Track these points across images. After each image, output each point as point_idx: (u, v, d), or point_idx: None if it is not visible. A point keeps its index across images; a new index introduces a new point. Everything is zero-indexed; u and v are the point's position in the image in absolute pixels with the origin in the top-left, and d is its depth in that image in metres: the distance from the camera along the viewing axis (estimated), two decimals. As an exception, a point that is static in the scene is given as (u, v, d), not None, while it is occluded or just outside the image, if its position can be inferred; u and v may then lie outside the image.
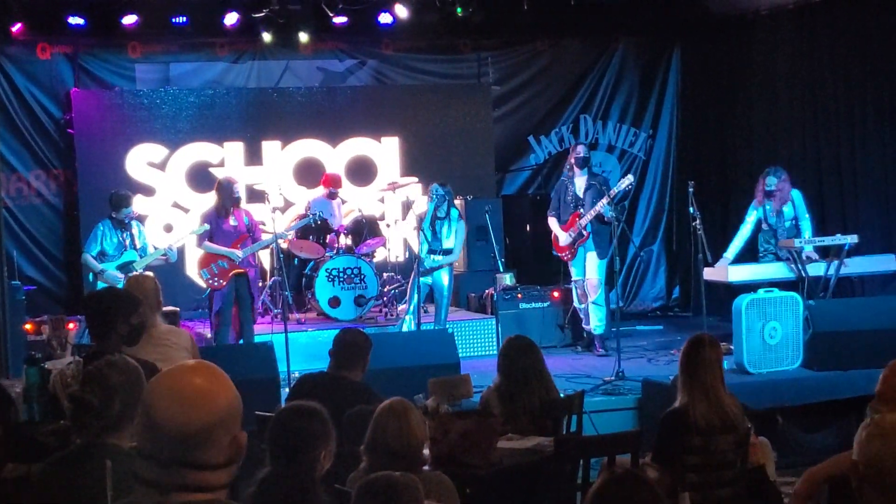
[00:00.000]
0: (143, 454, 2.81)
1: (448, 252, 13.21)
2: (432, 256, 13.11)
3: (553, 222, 13.42)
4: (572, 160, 13.41)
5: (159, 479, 2.77)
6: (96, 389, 4.45)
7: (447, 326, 12.98)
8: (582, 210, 13.08)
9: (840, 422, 10.27)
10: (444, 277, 13.19)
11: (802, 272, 12.06)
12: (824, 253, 12.29)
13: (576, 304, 13.73)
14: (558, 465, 6.64)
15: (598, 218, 12.99)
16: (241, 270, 12.38)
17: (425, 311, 13.45)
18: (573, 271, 13.46)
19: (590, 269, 13.21)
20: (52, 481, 4.38)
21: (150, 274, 8.17)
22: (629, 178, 13.40)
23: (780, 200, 12.57)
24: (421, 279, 12.97)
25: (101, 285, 11.89)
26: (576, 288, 13.51)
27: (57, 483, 4.35)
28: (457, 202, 15.54)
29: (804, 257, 12.16)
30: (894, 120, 13.84)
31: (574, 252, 13.23)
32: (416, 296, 12.94)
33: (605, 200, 12.95)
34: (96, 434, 4.43)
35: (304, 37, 15.98)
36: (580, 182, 13.28)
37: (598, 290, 13.25)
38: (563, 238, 13.24)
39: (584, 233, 13.10)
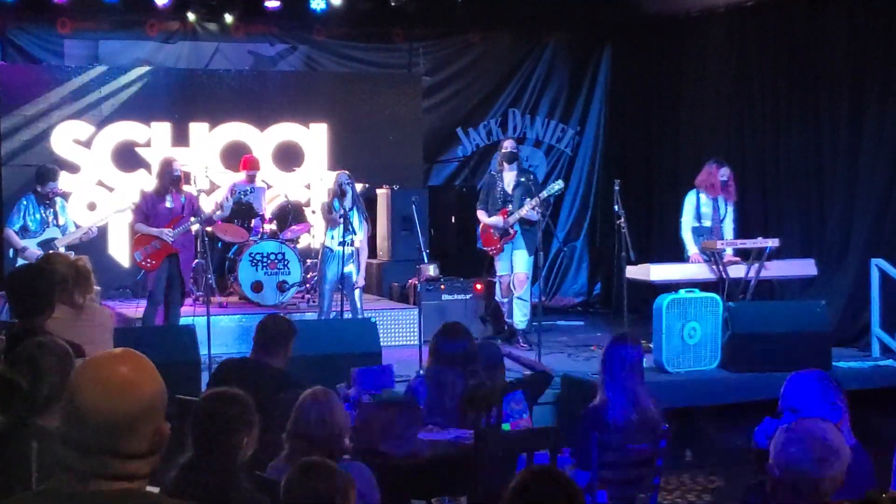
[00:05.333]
0: (66, 441, 2.80)
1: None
2: (344, 249, 12.79)
3: (482, 215, 13.41)
4: (499, 156, 13.44)
5: (81, 466, 2.77)
6: (25, 370, 4.43)
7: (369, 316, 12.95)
8: (511, 207, 13.09)
9: (754, 423, 10.39)
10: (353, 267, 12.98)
11: (723, 273, 12.18)
12: (745, 255, 12.42)
13: (498, 298, 13.77)
14: (478, 457, 6.67)
15: (525, 219, 13.04)
16: (174, 251, 12.29)
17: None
18: (499, 266, 13.48)
19: (518, 265, 13.23)
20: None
21: (84, 257, 8.11)
22: (559, 184, 13.45)
23: (732, 193, 12.66)
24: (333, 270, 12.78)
25: (20, 262, 11.77)
26: (500, 283, 13.54)
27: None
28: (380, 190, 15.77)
29: (725, 259, 12.29)
30: (818, 125, 13.99)
31: (501, 248, 13.26)
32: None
33: (533, 203, 13.03)
34: (23, 415, 4.41)
35: (229, 18, 15.95)
36: (509, 177, 13.29)
37: (525, 286, 13.31)
38: (495, 221, 13.13)
39: (512, 231, 13.13)
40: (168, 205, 12.34)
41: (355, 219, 12.72)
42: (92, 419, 2.76)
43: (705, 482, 9.72)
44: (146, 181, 14.08)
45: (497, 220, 13.17)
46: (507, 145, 13.49)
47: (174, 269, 12.33)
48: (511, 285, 13.35)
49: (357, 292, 12.83)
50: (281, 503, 4.63)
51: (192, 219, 12.32)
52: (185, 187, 13.06)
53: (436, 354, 7.77)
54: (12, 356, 4.65)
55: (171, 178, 12.37)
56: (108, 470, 2.77)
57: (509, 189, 13.23)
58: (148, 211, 12.30)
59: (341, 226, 12.51)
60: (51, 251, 11.26)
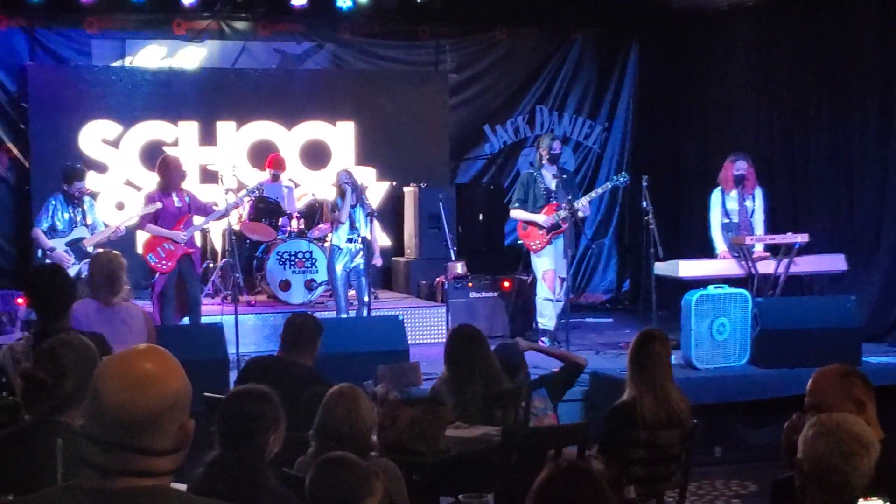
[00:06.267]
0: (90, 437, 2.79)
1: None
2: (352, 245, 12.80)
3: (521, 212, 13.17)
4: (545, 153, 13.24)
5: (105, 462, 2.76)
6: (49, 367, 4.44)
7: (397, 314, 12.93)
8: (560, 202, 12.96)
9: (784, 419, 10.33)
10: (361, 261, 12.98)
11: (752, 269, 12.13)
12: (774, 251, 12.37)
13: (546, 296, 13.23)
14: (505, 454, 6.66)
15: (573, 213, 12.92)
16: (188, 251, 12.29)
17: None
18: (541, 262, 13.18)
19: (563, 265, 13.04)
20: (1, 457, 4.37)
21: (119, 254, 8.11)
22: (624, 175, 13.46)
23: (750, 186, 12.60)
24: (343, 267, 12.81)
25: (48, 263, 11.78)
26: (545, 279, 13.14)
27: (4, 461, 4.33)
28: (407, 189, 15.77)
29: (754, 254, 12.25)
30: (847, 119, 13.92)
31: (548, 242, 13.12)
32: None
33: (593, 194, 13.35)
34: (47, 412, 4.42)
35: (252, 20, 16.00)
36: (548, 175, 13.20)
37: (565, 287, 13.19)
38: (544, 220, 13.02)
39: (563, 224, 12.98)
40: (177, 204, 12.31)
41: (360, 215, 12.72)
42: (115, 415, 2.75)
43: (739, 488, 9.67)
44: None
45: (545, 219, 13.00)
46: (556, 146, 13.33)
47: (190, 268, 12.32)
48: (556, 282, 13.13)
49: (364, 281, 12.78)
50: (306, 498, 4.63)
51: (197, 220, 12.32)
52: (212, 186, 13.06)
53: (452, 363, 7.77)
54: (37, 354, 4.65)
55: (178, 176, 12.35)
56: (132, 466, 2.76)
57: (552, 186, 13.12)
58: (157, 211, 12.26)
59: (347, 224, 12.53)
60: (83, 250, 11.29)
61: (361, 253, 12.68)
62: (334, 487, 4.54)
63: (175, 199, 12.30)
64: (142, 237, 15.15)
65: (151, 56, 16.50)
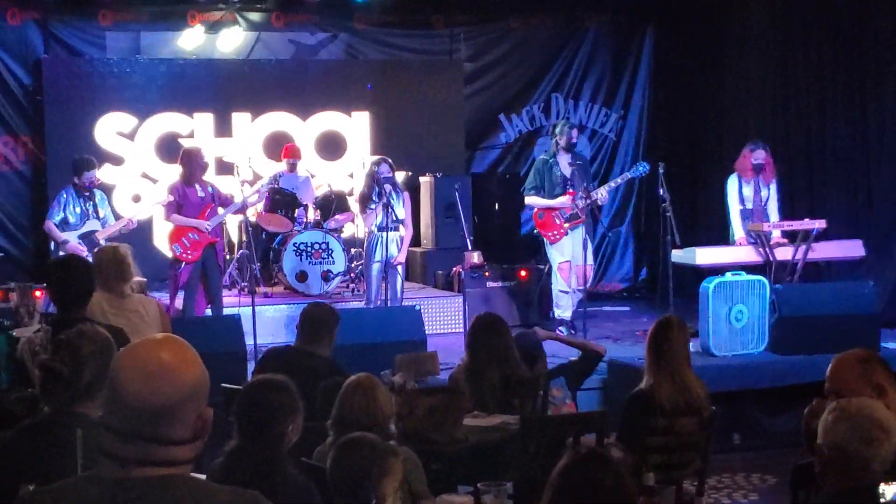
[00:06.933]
0: (108, 428, 2.79)
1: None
2: (387, 233, 12.78)
3: (537, 199, 13.17)
4: (562, 141, 13.19)
5: (124, 453, 2.76)
6: (67, 359, 4.44)
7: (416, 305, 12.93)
8: (576, 189, 12.94)
9: (803, 406, 10.31)
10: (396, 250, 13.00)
11: (770, 256, 12.10)
12: (792, 237, 12.34)
13: (561, 288, 13.24)
14: (523, 443, 6.66)
15: (590, 202, 12.89)
16: (212, 241, 12.32)
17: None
18: (558, 252, 13.16)
19: (580, 256, 13.02)
20: (20, 450, 4.38)
21: (124, 244, 8.11)
22: (644, 165, 13.43)
23: (769, 176, 12.57)
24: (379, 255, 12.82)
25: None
26: (560, 270, 13.12)
27: (25, 451, 4.34)
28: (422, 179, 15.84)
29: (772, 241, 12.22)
30: (864, 105, 13.88)
31: (565, 232, 13.11)
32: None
33: (612, 184, 13.59)
34: (65, 403, 4.43)
35: (266, 11, 15.99)
36: (564, 162, 13.18)
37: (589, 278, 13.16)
38: (562, 201, 12.95)
39: (581, 215, 12.97)
40: (200, 194, 12.33)
41: (398, 204, 12.72)
42: (132, 405, 2.75)
43: (759, 481, 9.64)
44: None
45: (565, 200, 12.98)
46: (574, 134, 13.31)
47: (213, 259, 12.35)
48: (576, 273, 13.09)
49: (399, 279, 12.81)
50: (325, 487, 4.64)
51: (221, 210, 12.35)
52: (228, 177, 13.07)
53: (472, 349, 7.76)
54: (54, 345, 4.66)
55: (200, 167, 12.38)
56: (151, 456, 2.76)
57: (567, 174, 13.10)
58: (181, 201, 12.29)
59: (382, 214, 12.48)
60: (98, 245, 11.30)
61: (397, 242, 12.68)
62: (352, 467, 4.57)
63: (198, 189, 12.34)
64: (158, 230, 15.28)
65: (165, 48, 16.53)
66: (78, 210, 12.35)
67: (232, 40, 16.51)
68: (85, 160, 12.57)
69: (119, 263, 7.35)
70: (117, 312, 7.10)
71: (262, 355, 8.30)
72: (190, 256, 12.23)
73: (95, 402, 4.24)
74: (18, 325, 8.45)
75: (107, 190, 13.41)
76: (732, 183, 12.65)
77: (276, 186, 14.24)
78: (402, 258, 12.80)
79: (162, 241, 15.51)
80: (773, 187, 12.64)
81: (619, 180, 14.05)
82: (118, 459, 2.76)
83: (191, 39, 16.36)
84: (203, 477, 4.21)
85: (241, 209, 12.72)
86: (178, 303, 12.60)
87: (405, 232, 12.86)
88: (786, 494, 5.45)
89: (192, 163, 12.37)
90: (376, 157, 13.49)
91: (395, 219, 12.59)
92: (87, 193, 12.40)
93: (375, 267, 12.75)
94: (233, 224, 14.59)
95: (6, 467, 4.30)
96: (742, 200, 12.55)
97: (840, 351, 5.03)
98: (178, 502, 2.77)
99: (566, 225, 12.97)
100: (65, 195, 12.41)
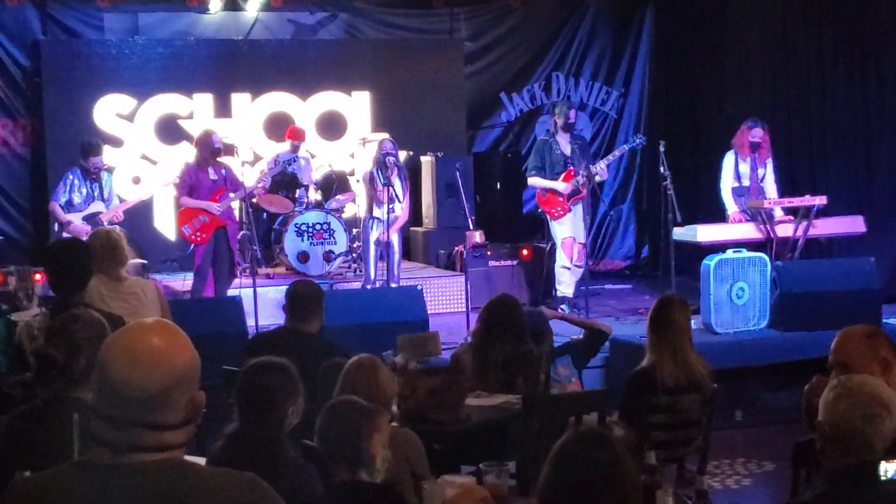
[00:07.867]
0: (99, 414, 2.78)
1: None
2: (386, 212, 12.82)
3: (539, 180, 13.14)
4: (560, 121, 13.19)
5: (116, 439, 2.75)
6: (61, 344, 4.44)
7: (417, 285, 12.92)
8: (576, 167, 12.94)
9: (804, 382, 10.31)
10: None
11: (770, 233, 12.08)
12: (792, 213, 12.31)
13: (563, 263, 13.19)
14: (526, 423, 6.64)
15: (590, 178, 12.89)
16: (222, 223, 12.30)
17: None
18: (562, 229, 13.11)
19: (582, 232, 13.05)
20: (17, 434, 4.38)
21: (117, 227, 8.09)
22: (641, 137, 13.47)
23: (765, 154, 12.54)
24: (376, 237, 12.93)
25: (65, 237, 11.80)
26: (563, 246, 13.08)
27: (20, 438, 4.35)
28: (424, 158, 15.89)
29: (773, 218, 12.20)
30: (864, 81, 13.84)
31: (569, 208, 13.09)
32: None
33: (610, 157, 13.61)
34: (61, 389, 4.43)
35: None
36: (563, 141, 13.16)
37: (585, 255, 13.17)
38: (564, 187, 13.01)
39: (583, 190, 12.97)
40: (212, 177, 12.34)
41: (398, 186, 12.76)
42: (123, 392, 2.74)
43: (757, 468, 9.62)
44: (190, 153, 14.05)
45: (565, 185, 12.96)
46: (572, 115, 13.33)
47: (223, 241, 12.34)
48: (577, 250, 13.09)
49: (396, 257, 12.86)
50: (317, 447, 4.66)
51: (231, 195, 12.35)
52: (228, 159, 13.06)
53: (486, 323, 7.71)
54: (48, 330, 4.65)
55: (212, 150, 12.37)
56: (143, 442, 2.75)
57: (567, 152, 13.09)
58: (193, 183, 12.29)
59: (384, 195, 12.50)
60: (98, 227, 11.30)
61: (391, 220, 12.74)
62: (340, 426, 4.56)
63: (211, 172, 12.35)
64: (159, 212, 15.28)
65: (164, 29, 16.51)
66: (84, 192, 12.40)
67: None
68: (93, 144, 12.60)
69: (112, 248, 7.32)
70: (115, 296, 7.09)
71: (250, 340, 8.18)
72: (198, 238, 12.23)
73: (91, 387, 4.23)
74: (17, 308, 8.45)
75: (111, 172, 13.38)
76: (729, 159, 12.61)
77: (285, 170, 14.27)
78: (393, 231, 12.86)
79: (163, 223, 15.56)
80: (770, 166, 12.60)
81: (616, 153, 14.11)
82: (110, 446, 2.75)
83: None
84: (203, 460, 4.21)
85: (248, 197, 12.73)
86: (187, 284, 12.64)
87: (400, 211, 12.91)
88: (785, 476, 5.43)
89: (203, 145, 12.39)
90: (379, 135, 13.52)
91: (392, 196, 12.62)
92: (94, 175, 12.43)
93: (372, 247, 12.80)
94: (234, 205, 14.57)
95: (2, 454, 4.30)
96: (738, 177, 12.51)
97: (841, 327, 5.02)
98: (171, 487, 2.76)
99: (568, 202, 12.96)
100: (70, 176, 12.45)
